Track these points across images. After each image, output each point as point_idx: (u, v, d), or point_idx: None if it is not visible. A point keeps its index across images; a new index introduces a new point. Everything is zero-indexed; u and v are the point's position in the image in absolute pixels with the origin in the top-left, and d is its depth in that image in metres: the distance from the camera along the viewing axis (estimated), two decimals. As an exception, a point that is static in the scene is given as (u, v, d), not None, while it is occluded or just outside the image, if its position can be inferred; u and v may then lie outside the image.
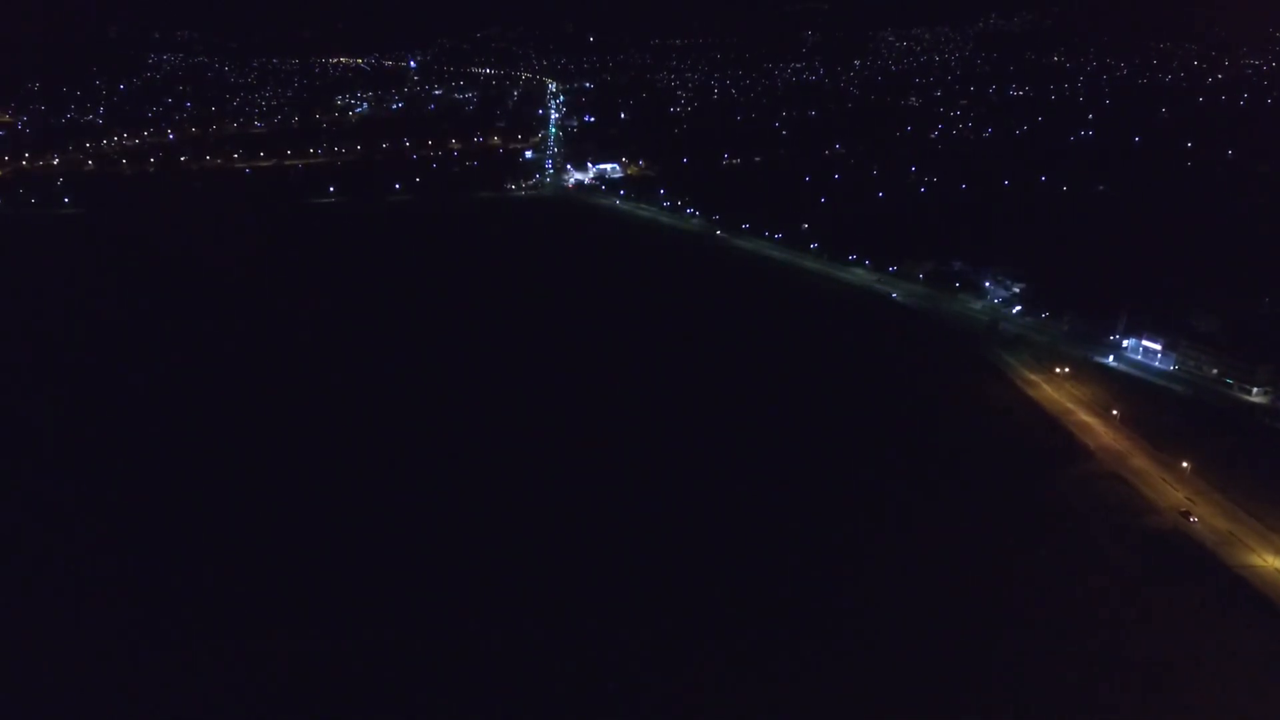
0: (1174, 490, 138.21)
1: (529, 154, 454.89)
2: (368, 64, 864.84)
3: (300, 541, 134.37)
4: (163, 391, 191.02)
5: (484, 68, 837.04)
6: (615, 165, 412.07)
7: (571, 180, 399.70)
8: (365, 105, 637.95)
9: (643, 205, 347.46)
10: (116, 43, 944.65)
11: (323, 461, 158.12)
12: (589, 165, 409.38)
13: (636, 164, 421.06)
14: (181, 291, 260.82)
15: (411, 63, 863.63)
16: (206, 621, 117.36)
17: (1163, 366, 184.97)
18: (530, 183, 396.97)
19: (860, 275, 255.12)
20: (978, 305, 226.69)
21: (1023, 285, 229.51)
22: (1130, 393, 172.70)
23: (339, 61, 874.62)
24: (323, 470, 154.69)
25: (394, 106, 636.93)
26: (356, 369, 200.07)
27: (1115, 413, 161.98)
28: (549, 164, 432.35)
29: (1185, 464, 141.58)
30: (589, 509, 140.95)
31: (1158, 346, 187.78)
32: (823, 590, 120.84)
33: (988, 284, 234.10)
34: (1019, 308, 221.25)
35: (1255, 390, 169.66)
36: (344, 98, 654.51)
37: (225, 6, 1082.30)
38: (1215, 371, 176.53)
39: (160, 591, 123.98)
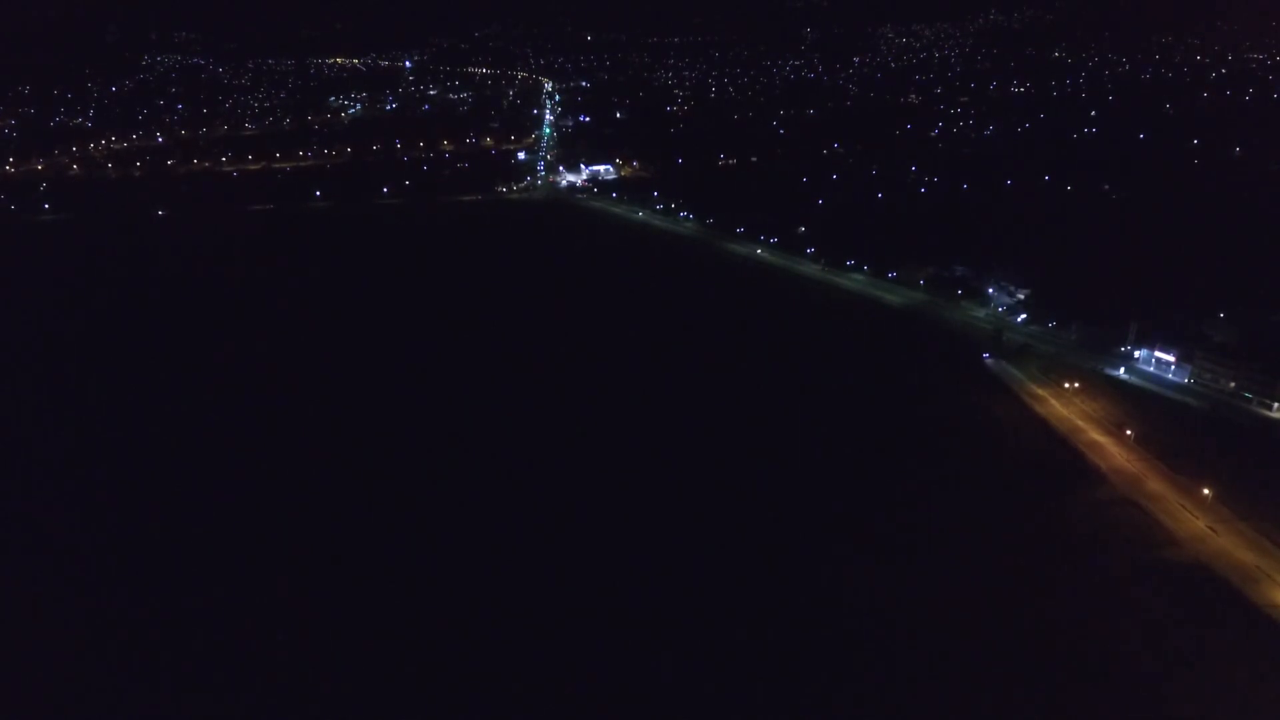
0: (1194, 518, 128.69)
1: (522, 155, 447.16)
2: (364, 64, 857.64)
3: (297, 544, 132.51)
4: (145, 402, 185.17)
5: (481, 67, 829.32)
6: (609, 167, 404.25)
7: (564, 182, 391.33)
8: (358, 106, 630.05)
9: (636, 208, 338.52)
10: (114, 44, 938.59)
11: (311, 467, 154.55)
12: (582, 167, 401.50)
13: (631, 165, 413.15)
14: (160, 299, 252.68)
15: (407, 63, 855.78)
16: (203, 623, 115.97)
17: (1177, 379, 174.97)
18: (521, 185, 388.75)
19: (859, 281, 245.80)
20: (981, 313, 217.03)
21: (1028, 291, 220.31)
22: (1143, 408, 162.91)
23: (335, 62, 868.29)
24: (313, 476, 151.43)
25: (388, 107, 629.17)
26: (339, 377, 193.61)
27: (1129, 432, 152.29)
28: (541, 166, 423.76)
29: (1206, 490, 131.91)
30: (578, 521, 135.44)
31: (1171, 358, 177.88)
32: (815, 623, 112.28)
33: (991, 290, 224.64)
34: (1024, 315, 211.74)
35: (1276, 405, 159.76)
36: (337, 99, 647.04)
37: (224, 7, 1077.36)
38: (1233, 385, 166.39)
39: (159, 594, 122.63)
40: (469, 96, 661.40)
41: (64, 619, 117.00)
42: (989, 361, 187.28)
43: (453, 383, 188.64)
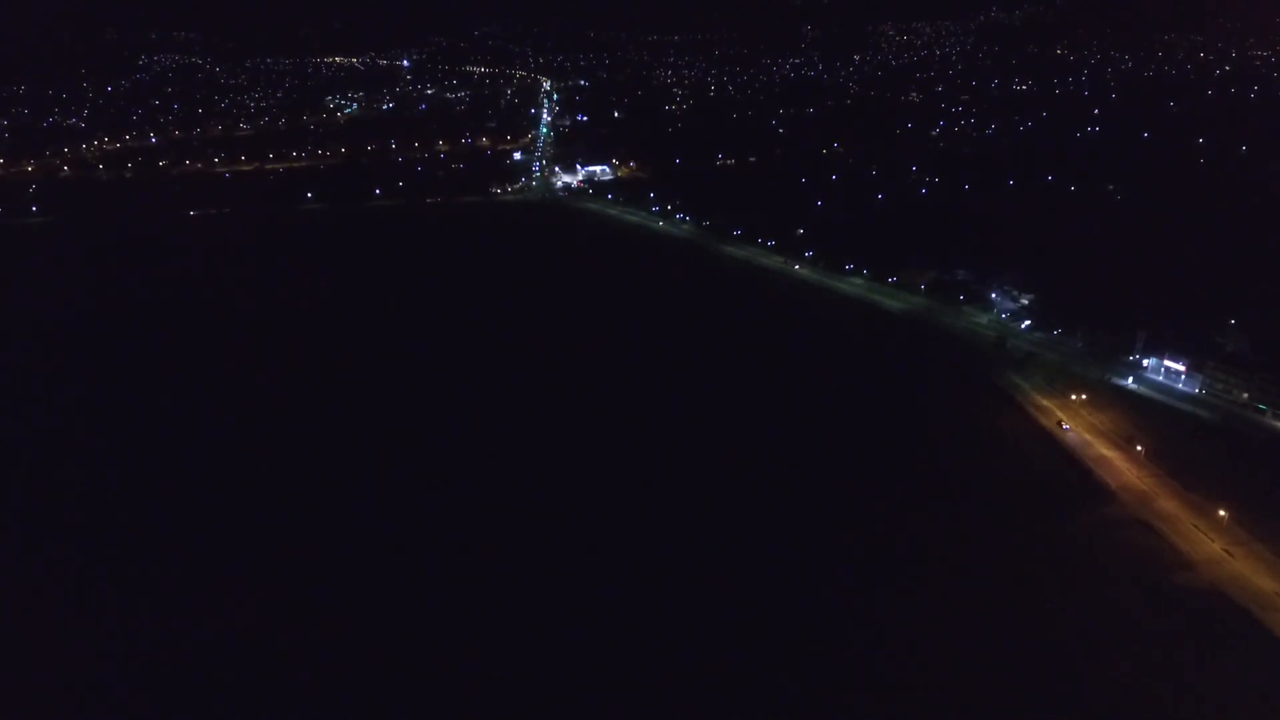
0: (1209, 540, 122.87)
1: (518, 155, 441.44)
2: (362, 63, 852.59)
3: (292, 546, 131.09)
4: (126, 408, 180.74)
5: (480, 66, 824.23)
6: (605, 167, 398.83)
7: (560, 183, 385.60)
8: (354, 106, 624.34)
9: (631, 210, 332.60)
10: (113, 44, 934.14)
11: (305, 472, 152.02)
12: (578, 167, 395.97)
13: (628, 165, 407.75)
14: (143, 307, 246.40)
15: (406, 62, 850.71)
16: (201, 622, 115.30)
17: (1187, 390, 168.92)
18: (516, 186, 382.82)
19: (858, 285, 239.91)
20: (983, 319, 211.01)
21: (1032, 297, 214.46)
22: (1153, 421, 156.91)
23: (333, 61, 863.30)
24: (307, 480, 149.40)
25: (384, 107, 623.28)
26: (323, 385, 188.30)
27: (1139, 447, 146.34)
28: (537, 166, 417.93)
29: (1222, 512, 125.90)
30: (570, 529, 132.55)
31: (1181, 367, 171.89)
32: (809, 647, 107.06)
33: (994, 295, 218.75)
34: (1028, 322, 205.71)
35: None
36: (334, 98, 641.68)
37: (225, 6, 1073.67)
38: (1246, 396, 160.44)
39: (159, 595, 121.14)
40: (466, 96, 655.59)
41: (63, 621, 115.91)
42: (1066, 432, 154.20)
43: (437, 394, 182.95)
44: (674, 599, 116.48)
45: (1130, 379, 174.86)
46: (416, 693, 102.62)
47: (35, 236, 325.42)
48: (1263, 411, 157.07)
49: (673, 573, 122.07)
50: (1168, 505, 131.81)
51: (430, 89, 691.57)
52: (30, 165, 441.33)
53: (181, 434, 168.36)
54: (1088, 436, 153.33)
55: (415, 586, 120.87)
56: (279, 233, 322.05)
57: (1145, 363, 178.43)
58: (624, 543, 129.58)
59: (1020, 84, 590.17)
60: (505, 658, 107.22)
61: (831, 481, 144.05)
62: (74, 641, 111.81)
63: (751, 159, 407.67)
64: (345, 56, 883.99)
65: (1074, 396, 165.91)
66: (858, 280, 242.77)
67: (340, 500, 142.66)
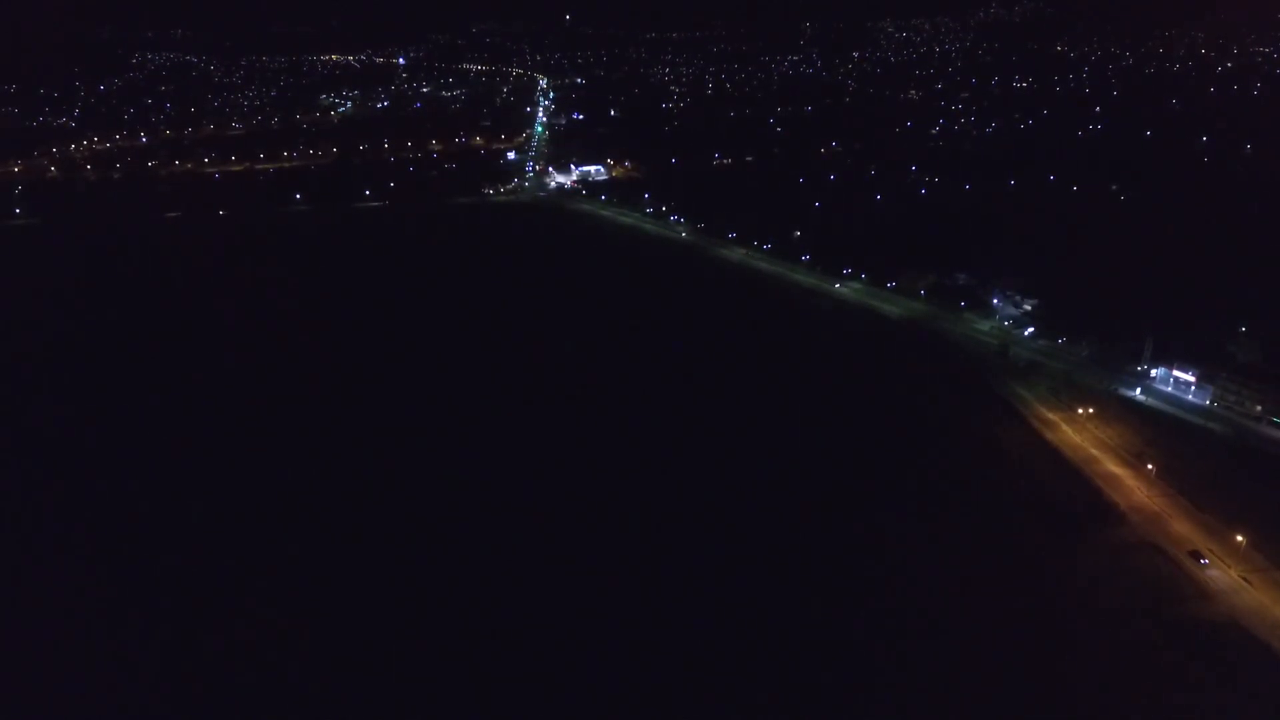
0: (1225, 566, 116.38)
1: (512, 155, 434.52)
2: (358, 61, 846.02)
3: (288, 549, 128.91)
4: (117, 415, 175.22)
5: (477, 64, 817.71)
6: (599, 167, 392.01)
7: (553, 183, 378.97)
8: (348, 104, 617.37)
9: (625, 211, 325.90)
10: (108, 42, 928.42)
11: (300, 475, 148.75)
12: (572, 167, 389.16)
13: (623, 165, 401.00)
14: (130, 311, 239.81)
15: (401, 59, 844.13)
16: (200, 622, 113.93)
17: (1197, 401, 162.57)
18: (509, 186, 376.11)
19: (856, 289, 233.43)
20: (985, 326, 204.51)
21: (1035, 302, 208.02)
22: (1163, 435, 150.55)
23: (329, 59, 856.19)
24: (302, 484, 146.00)
25: (379, 105, 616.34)
26: (311, 390, 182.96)
27: (1150, 466, 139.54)
28: (531, 166, 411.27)
29: (1239, 537, 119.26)
30: (563, 538, 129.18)
31: (1191, 378, 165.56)
32: (801, 678, 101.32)
33: (996, 301, 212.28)
34: (1031, 329, 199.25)
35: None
36: (328, 97, 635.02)
37: (221, 3, 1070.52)
38: (1259, 409, 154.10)
39: (159, 598, 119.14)
40: (462, 94, 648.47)
41: (64, 623, 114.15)
42: (1206, 566, 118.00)
43: (429, 398, 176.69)
44: (671, 604, 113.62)
45: (1138, 390, 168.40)
46: (417, 693, 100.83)
47: (14, 238, 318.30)
48: (1277, 425, 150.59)
49: (669, 579, 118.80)
50: (1181, 528, 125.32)
51: (426, 87, 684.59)
52: (18, 166, 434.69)
53: (171, 438, 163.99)
54: (1095, 451, 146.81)
55: (414, 587, 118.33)
56: (260, 235, 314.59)
57: (1153, 373, 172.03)
58: (621, 545, 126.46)
59: (1021, 81, 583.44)
60: (505, 658, 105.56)
61: (825, 497, 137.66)
62: (72, 644, 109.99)
63: (748, 158, 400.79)
64: (341, 54, 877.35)
65: (1080, 410, 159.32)
66: (855, 284, 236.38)
67: (337, 502, 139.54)
